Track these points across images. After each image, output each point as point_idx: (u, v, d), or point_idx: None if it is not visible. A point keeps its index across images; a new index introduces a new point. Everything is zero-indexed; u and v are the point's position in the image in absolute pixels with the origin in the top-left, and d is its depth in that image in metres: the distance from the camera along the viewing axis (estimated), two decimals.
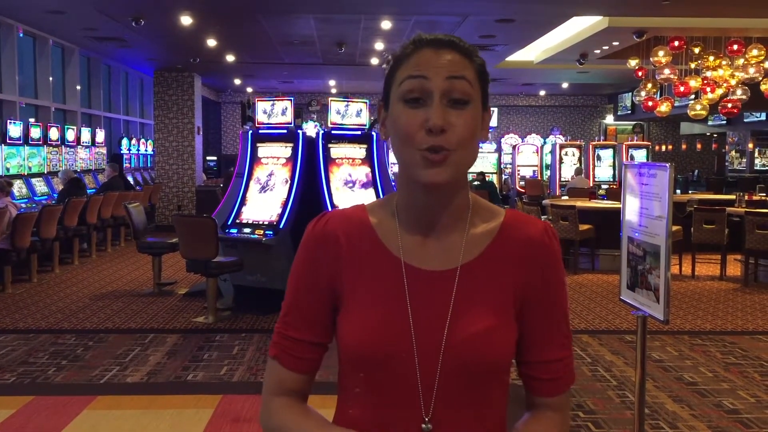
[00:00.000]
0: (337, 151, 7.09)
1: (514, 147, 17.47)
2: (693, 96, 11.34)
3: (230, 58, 12.93)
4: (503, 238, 1.14)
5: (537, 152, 17.02)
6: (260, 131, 7.16)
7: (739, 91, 10.53)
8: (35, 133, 10.29)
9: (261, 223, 6.74)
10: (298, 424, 1.14)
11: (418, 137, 1.04)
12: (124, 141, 14.59)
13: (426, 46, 1.08)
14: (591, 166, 14.50)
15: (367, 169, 7.25)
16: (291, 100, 7.22)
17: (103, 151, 13.20)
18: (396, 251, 1.13)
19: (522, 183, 16.13)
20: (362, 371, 1.11)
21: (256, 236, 6.62)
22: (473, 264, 1.12)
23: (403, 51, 1.10)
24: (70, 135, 11.58)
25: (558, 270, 1.15)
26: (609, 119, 20.95)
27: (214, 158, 20.19)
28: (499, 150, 17.90)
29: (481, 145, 1.16)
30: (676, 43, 9.84)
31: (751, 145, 18.10)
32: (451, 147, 1.04)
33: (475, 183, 13.97)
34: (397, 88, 1.08)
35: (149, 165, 15.96)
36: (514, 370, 1.17)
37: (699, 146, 20.25)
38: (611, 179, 14.25)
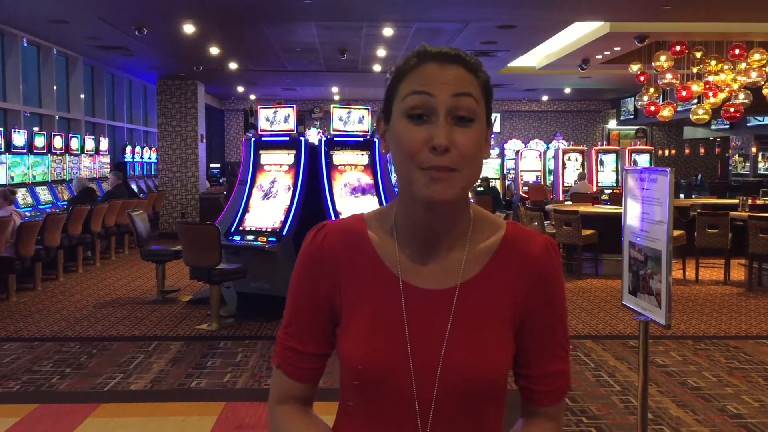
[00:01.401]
0: (339, 157, 7.11)
1: (517, 152, 17.47)
2: (695, 100, 11.35)
3: (233, 65, 12.97)
4: (504, 254, 1.12)
5: (540, 157, 17.01)
6: (263, 138, 7.18)
7: (741, 96, 10.53)
8: (39, 141, 10.34)
9: (264, 230, 6.75)
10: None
11: (421, 155, 1.01)
12: (128, 149, 14.65)
13: (430, 59, 1.04)
14: (594, 171, 14.49)
15: (369, 176, 7.27)
16: (294, 107, 7.24)
17: (107, 159, 13.25)
18: (394, 269, 1.11)
19: (525, 188, 16.12)
20: (360, 386, 1.10)
21: (259, 243, 6.64)
22: (472, 282, 1.10)
23: (406, 63, 1.06)
24: (74, 143, 11.62)
25: (559, 285, 1.15)
26: (612, 124, 20.95)
27: (218, 166, 20.25)
28: (502, 155, 17.90)
29: None
30: (678, 48, 9.84)
31: (754, 149, 18.07)
32: (456, 167, 1.01)
33: (480, 189, 13.98)
34: (400, 102, 1.05)
35: (153, 173, 16.00)
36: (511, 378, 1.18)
37: (702, 150, 20.22)
38: (614, 184, 14.24)
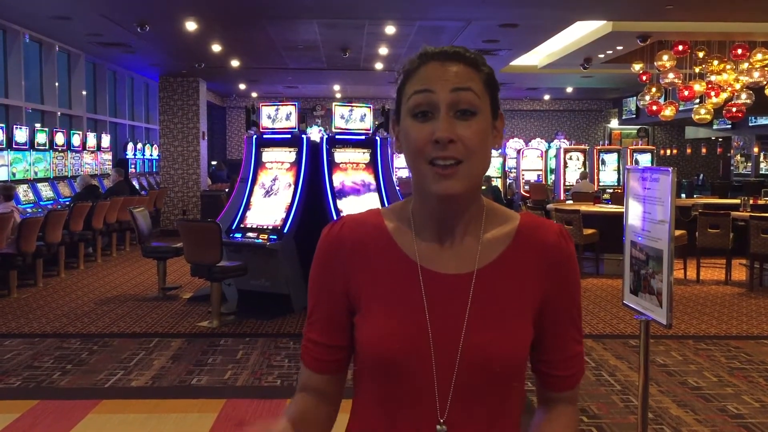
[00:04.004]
0: (341, 155, 7.11)
1: (518, 151, 17.45)
2: (697, 100, 11.34)
3: (235, 63, 12.97)
4: (519, 242, 1.15)
5: (541, 156, 16.99)
6: (264, 136, 7.18)
7: (743, 95, 10.52)
8: (41, 138, 10.35)
9: (265, 227, 6.75)
10: (287, 412, 1.17)
11: (427, 149, 1.06)
12: (130, 146, 14.65)
13: (432, 59, 1.09)
14: (595, 171, 14.49)
15: (371, 174, 7.27)
16: (295, 104, 7.24)
17: (109, 156, 13.26)
18: (412, 256, 1.14)
19: (526, 187, 16.11)
20: (380, 372, 1.12)
21: (260, 241, 6.64)
22: (489, 268, 1.13)
23: (410, 65, 1.12)
24: (76, 140, 11.63)
25: (575, 271, 1.18)
26: (614, 123, 20.94)
27: None
28: (503, 154, 17.88)
29: None
30: (681, 48, 9.83)
31: (756, 149, 18.06)
32: (461, 157, 1.05)
33: (482, 187, 13.97)
34: (406, 102, 1.10)
35: (154, 170, 16.01)
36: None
37: (704, 150, 20.21)
38: (616, 183, 14.24)
